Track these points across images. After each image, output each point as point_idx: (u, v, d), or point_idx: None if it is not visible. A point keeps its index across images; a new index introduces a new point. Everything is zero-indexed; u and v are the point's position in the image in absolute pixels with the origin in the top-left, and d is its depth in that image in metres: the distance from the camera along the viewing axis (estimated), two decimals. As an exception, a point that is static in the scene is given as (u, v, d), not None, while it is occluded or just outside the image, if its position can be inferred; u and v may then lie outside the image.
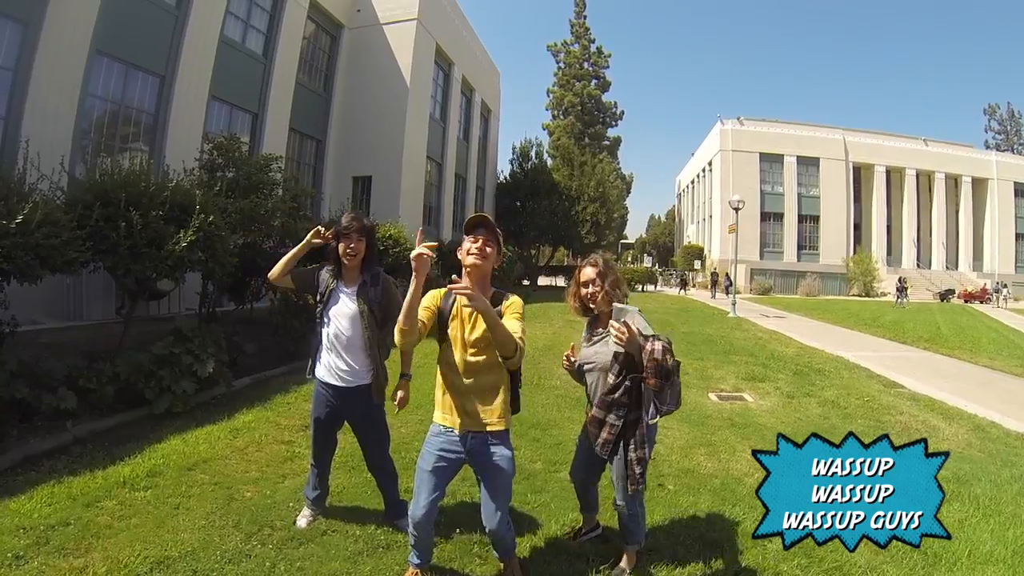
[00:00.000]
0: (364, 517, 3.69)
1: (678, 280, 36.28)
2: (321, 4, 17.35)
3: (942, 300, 35.42)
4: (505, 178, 32.26)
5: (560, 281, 35.41)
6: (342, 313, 3.35)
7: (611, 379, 2.98)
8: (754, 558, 3.39)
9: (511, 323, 2.63)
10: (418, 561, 2.97)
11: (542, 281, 33.37)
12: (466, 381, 2.73)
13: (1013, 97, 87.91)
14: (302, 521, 3.60)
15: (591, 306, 3.15)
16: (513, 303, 2.77)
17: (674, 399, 3.07)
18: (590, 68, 49.72)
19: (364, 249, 3.38)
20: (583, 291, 3.14)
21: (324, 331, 3.41)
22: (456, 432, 2.76)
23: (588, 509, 3.57)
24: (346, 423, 3.59)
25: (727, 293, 30.97)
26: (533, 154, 32.13)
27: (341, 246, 3.34)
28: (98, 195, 6.02)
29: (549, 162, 33.46)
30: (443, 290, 2.82)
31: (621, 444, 3.02)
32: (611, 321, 2.84)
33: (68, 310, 9.35)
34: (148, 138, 11.90)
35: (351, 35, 19.32)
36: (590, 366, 3.14)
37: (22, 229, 4.81)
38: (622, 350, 2.87)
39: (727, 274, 32.94)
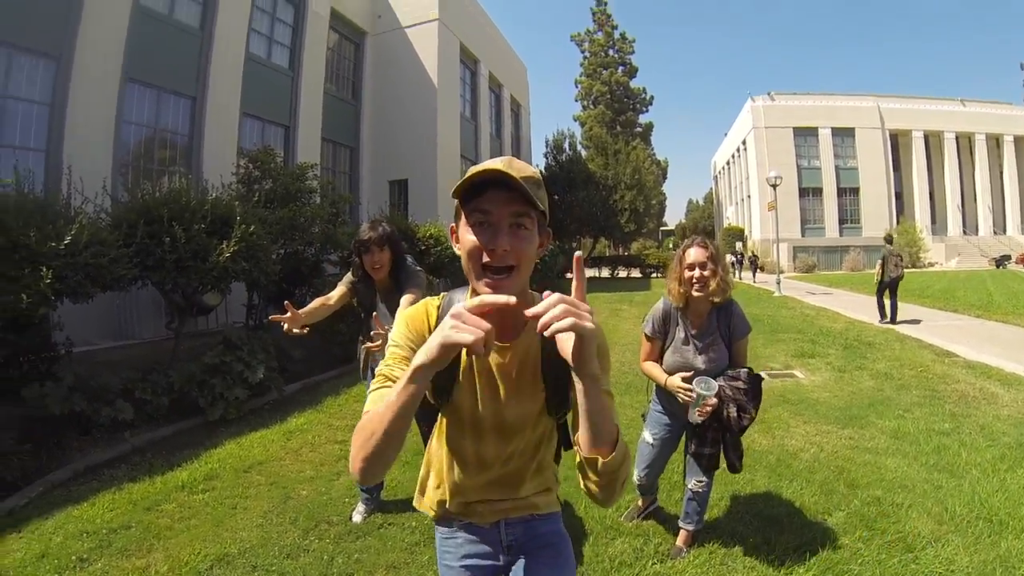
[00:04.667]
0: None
1: (749, 263, 32.20)
2: (342, 13, 17.46)
3: (998, 266, 34.11)
4: (540, 172, 31.90)
5: (604, 272, 35.03)
6: (384, 319, 3.35)
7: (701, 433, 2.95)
8: (814, 532, 3.35)
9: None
10: None
11: (586, 274, 33.19)
12: (490, 449, 1.47)
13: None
14: (357, 516, 3.65)
15: (698, 293, 2.84)
16: (599, 344, 1.27)
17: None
18: (615, 55, 49.46)
19: (388, 260, 3.28)
20: (689, 274, 2.84)
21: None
22: (484, 526, 1.58)
23: (648, 492, 3.55)
24: None
25: (754, 273, 30.25)
26: (567, 145, 31.75)
27: (365, 261, 3.27)
28: (142, 213, 6.17)
29: (583, 153, 33.13)
30: (428, 309, 1.46)
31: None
32: (692, 402, 2.75)
33: (119, 330, 9.62)
34: (184, 159, 12.14)
35: (374, 41, 19.41)
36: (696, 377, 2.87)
37: (71, 250, 4.96)
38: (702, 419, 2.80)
39: (754, 254, 32.16)
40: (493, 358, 1.40)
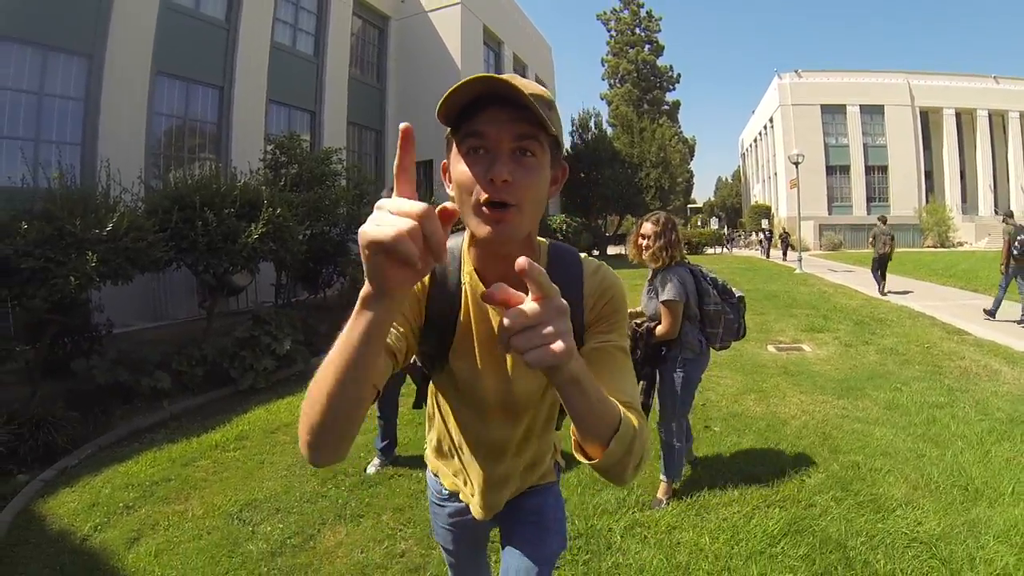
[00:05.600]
0: (429, 463, 4.12)
1: (780, 241, 29.93)
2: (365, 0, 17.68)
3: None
4: (567, 151, 31.95)
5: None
6: None
7: None
8: (790, 490, 3.59)
9: (624, 372, 1.13)
10: None
11: (611, 251, 33.04)
12: (497, 435, 1.33)
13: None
14: (371, 468, 4.09)
15: (645, 257, 3.50)
16: (616, 295, 1.19)
17: (729, 335, 3.57)
18: (642, 33, 49.06)
19: None
20: (641, 241, 3.52)
21: None
22: (482, 508, 1.44)
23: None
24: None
25: (784, 251, 29.35)
26: (592, 124, 31.73)
27: None
28: (175, 200, 6.62)
29: (609, 131, 33.06)
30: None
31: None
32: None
33: (154, 311, 10.07)
34: (213, 146, 12.55)
35: (398, 26, 19.57)
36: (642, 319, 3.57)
37: (112, 236, 5.43)
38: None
39: (784, 231, 31.36)
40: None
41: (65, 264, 5.03)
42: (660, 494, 3.54)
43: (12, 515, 3.67)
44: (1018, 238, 9.34)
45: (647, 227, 3.51)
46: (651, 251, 3.44)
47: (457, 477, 1.47)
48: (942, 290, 14.26)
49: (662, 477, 3.57)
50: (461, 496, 1.48)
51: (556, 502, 1.53)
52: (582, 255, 1.23)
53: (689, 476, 3.78)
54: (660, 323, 3.39)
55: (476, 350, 1.18)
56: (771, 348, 7.75)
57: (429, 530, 1.88)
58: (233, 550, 3.16)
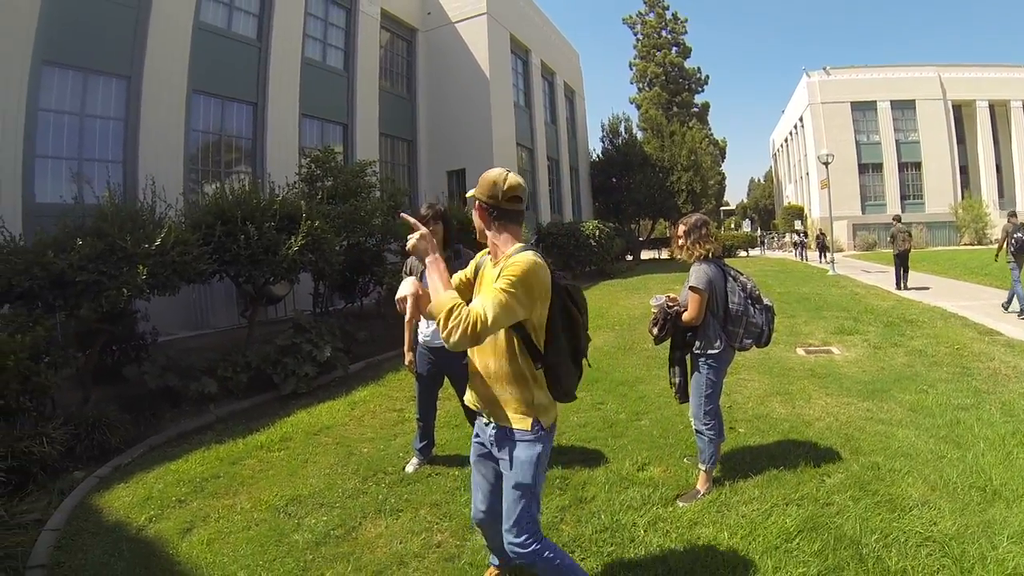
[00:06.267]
0: (464, 462, 4.24)
1: (815, 243, 29.15)
2: (392, 12, 17.96)
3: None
4: (597, 156, 32.16)
5: (664, 254, 34.91)
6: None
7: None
8: (809, 489, 3.67)
9: (486, 292, 2.05)
10: (496, 562, 2.82)
11: (645, 255, 32.91)
12: (477, 362, 2.32)
13: None
14: (410, 467, 4.34)
15: (678, 254, 3.95)
16: (512, 263, 2.07)
17: (750, 337, 3.79)
18: (668, 36, 48.97)
19: (442, 231, 3.97)
20: (677, 241, 3.94)
21: None
22: (484, 418, 2.35)
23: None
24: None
25: (821, 253, 28.70)
26: (622, 129, 31.67)
27: None
28: (218, 215, 6.97)
29: (639, 135, 33.00)
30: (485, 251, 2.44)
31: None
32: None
33: (196, 321, 10.48)
34: (249, 160, 12.97)
35: (425, 37, 19.88)
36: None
37: (160, 250, 5.78)
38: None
39: (821, 232, 30.63)
40: (489, 270, 2.30)
41: (117, 277, 5.39)
42: (699, 484, 3.74)
43: (71, 507, 4.01)
44: (1015, 235, 9.87)
45: (680, 228, 3.93)
46: (684, 248, 3.86)
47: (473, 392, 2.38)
48: (975, 288, 14.07)
49: (700, 466, 3.78)
50: (474, 404, 2.38)
51: (531, 450, 2.19)
52: (527, 250, 2.16)
53: (714, 476, 3.90)
54: (687, 309, 3.72)
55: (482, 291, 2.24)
56: (800, 351, 7.78)
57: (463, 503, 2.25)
58: (280, 540, 3.41)
